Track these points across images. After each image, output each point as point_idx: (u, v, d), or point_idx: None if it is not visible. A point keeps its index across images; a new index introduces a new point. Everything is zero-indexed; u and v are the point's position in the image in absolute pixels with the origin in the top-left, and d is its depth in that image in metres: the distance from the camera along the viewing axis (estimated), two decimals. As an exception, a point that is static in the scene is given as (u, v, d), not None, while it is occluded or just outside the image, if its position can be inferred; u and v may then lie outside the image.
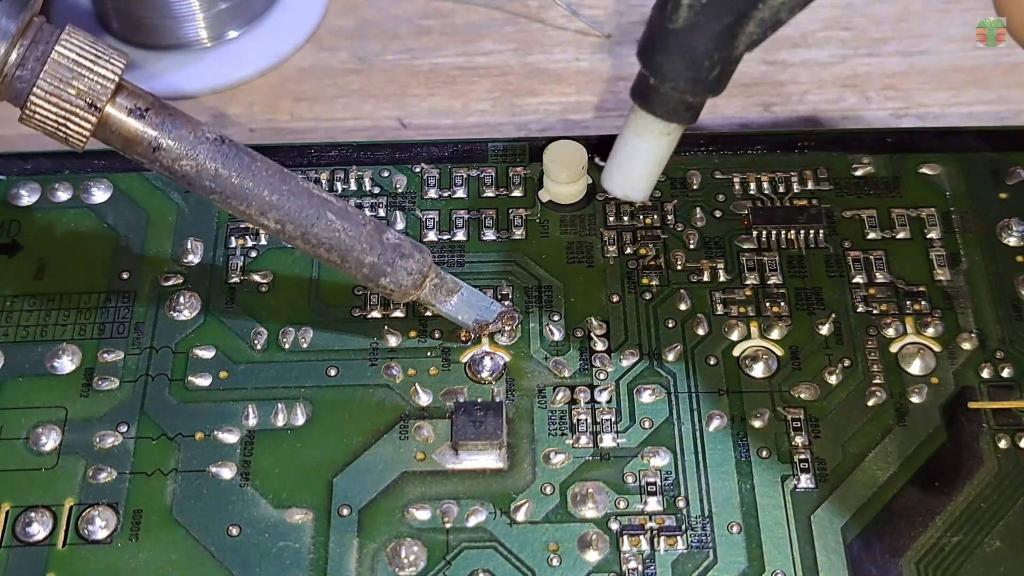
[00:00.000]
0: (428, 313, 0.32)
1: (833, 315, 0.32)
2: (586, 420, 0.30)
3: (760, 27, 0.23)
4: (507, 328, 0.32)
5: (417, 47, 0.42)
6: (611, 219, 0.34)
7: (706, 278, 0.33)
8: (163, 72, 0.40)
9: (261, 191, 0.27)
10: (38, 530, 0.29)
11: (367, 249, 0.28)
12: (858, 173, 0.35)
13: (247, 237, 0.34)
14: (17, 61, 0.26)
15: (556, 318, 0.32)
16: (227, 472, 0.30)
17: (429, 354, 0.32)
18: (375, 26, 0.43)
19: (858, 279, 0.33)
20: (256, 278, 0.33)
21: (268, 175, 0.27)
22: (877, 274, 0.33)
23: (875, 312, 0.32)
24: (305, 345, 0.32)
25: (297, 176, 0.28)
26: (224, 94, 0.40)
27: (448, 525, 0.29)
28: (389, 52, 0.42)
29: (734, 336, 0.32)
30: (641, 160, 0.28)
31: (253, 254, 0.34)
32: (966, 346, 0.31)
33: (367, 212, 0.29)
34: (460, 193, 0.35)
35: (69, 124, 0.26)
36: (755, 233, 0.34)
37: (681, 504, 0.29)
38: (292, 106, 0.40)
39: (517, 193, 0.35)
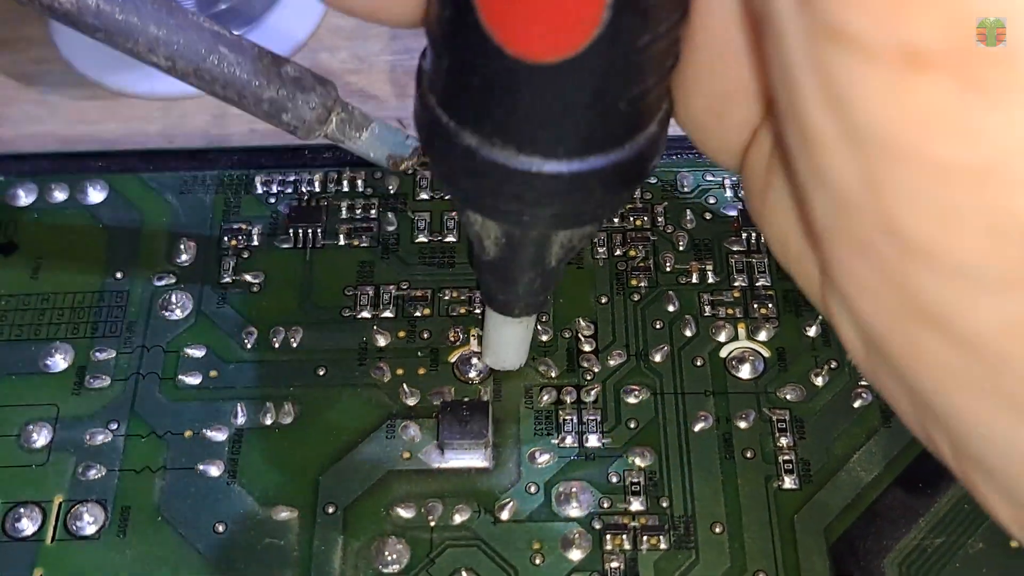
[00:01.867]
0: (417, 314, 0.32)
1: (820, 317, 0.32)
2: (572, 420, 0.31)
3: (563, 249, 0.23)
4: (419, 164, 0.31)
5: (417, 47, 0.42)
6: (601, 221, 0.34)
7: (694, 280, 0.33)
8: (163, 72, 0.40)
9: (147, 26, 0.25)
10: (27, 526, 0.29)
11: (264, 84, 0.27)
12: (849, 176, 0.35)
13: (240, 238, 0.34)
14: None
15: (544, 319, 0.32)
16: (215, 470, 0.30)
17: (418, 354, 0.32)
18: (375, 26, 0.43)
19: (846, 281, 0.33)
20: (248, 278, 0.33)
21: (154, 9, 0.25)
22: (866, 276, 0.33)
23: (863, 314, 0.32)
24: (295, 345, 0.32)
25: (188, 10, 0.26)
26: (224, 95, 0.40)
27: (432, 524, 0.29)
28: (389, 52, 0.42)
29: (721, 337, 0.32)
30: (506, 343, 0.30)
31: (245, 255, 0.34)
32: (953, 348, 0.31)
33: (268, 53, 0.27)
34: (452, 195, 0.35)
35: None
36: (744, 235, 0.34)
37: (665, 504, 0.29)
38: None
39: (508, 195, 0.35)
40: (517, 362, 0.31)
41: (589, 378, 0.31)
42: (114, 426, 0.31)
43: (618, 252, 0.34)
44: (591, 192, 0.20)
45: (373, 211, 0.35)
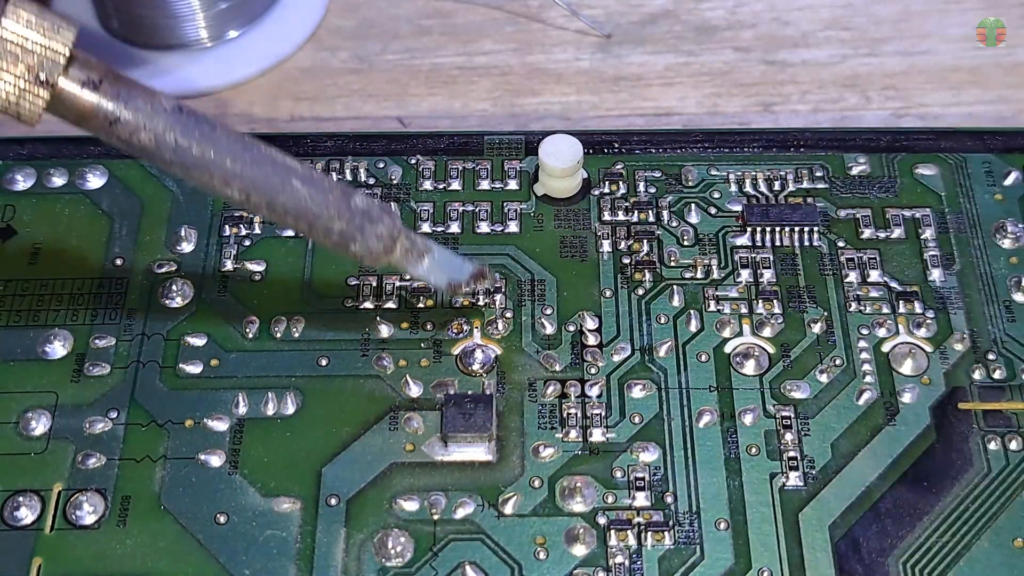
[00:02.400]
0: (420, 305, 0.32)
1: (825, 314, 0.32)
2: (576, 414, 0.30)
3: None
4: (480, 289, 0.31)
5: (417, 47, 0.42)
6: (606, 214, 0.34)
7: (699, 275, 0.33)
8: (163, 72, 0.40)
9: (223, 161, 0.26)
10: (26, 514, 0.29)
11: (334, 216, 0.27)
12: (854, 172, 0.35)
13: (241, 226, 0.34)
14: None
15: (548, 312, 0.32)
16: (216, 460, 0.30)
17: (421, 346, 0.32)
18: (375, 26, 0.43)
19: (851, 278, 0.33)
20: (249, 267, 0.33)
21: (230, 143, 0.26)
22: (870, 273, 0.33)
23: (867, 311, 0.32)
24: (297, 335, 0.32)
25: (260, 143, 0.27)
26: (224, 94, 0.40)
27: (436, 517, 0.29)
28: (389, 52, 0.42)
29: (726, 333, 0.32)
30: None
31: (247, 243, 0.34)
32: (958, 347, 0.31)
33: (334, 177, 0.28)
34: (455, 185, 0.35)
35: (21, 101, 0.25)
36: (749, 230, 0.34)
37: (669, 500, 0.29)
38: (292, 106, 0.40)
39: (512, 186, 0.35)
40: None
41: (593, 372, 0.31)
42: (114, 414, 0.30)
43: (622, 246, 0.33)
44: None
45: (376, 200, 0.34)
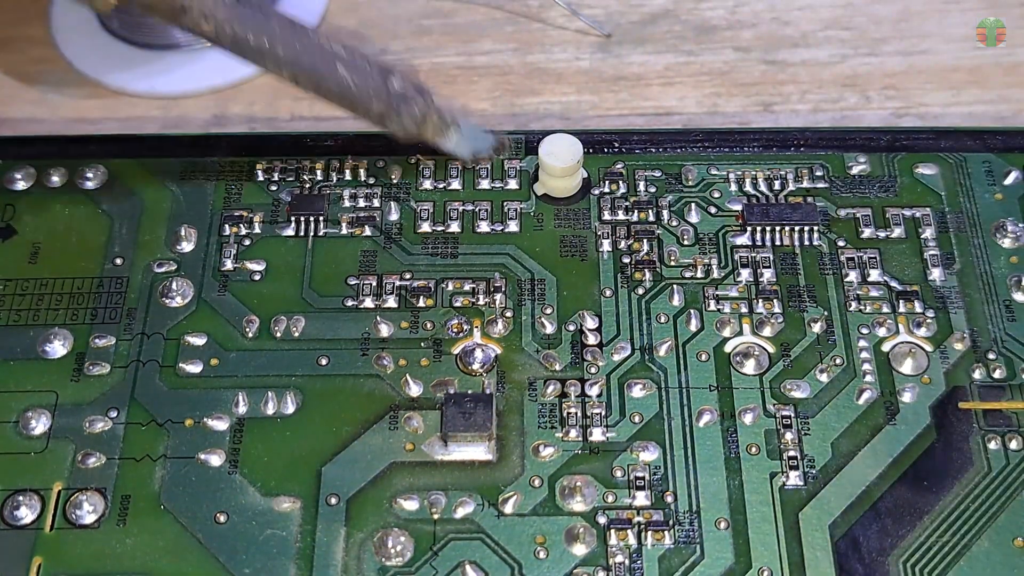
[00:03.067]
0: (420, 304, 0.32)
1: (825, 313, 0.32)
2: (576, 414, 0.30)
3: None
4: (502, 154, 0.34)
5: (417, 47, 0.42)
6: (606, 214, 0.34)
7: (699, 274, 0.33)
8: (163, 72, 0.40)
9: (276, 49, 0.29)
10: (26, 514, 0.29)
11: (375, 96, 0.30)
12: (854, 172, 0.35)
13: (241, 225, 0.34)
14: None
15: (548, 311, 0.32)
16: (216, 459, 0.30)
17: (421, 345, 0.32)
18: (375, 26, 0.42)
19: (851, 277, 0.33)
20: (249, 266, 0.33)
21: (282, 33, 0.29)
22: (871, 273, 0.33)
23: (867, 311, 0.32)
24: (297, 334, 0.32)
25: (308, 30, 0.30)
26: (224, 94, 0.40)
27: (436, 516, 0.29)
28: (389, 52, 0.42)
29: (726, 332, 0.32)
30: None
31: (247, 242, 0.34)
32: (958, 346, 0.31)
33: (376, 68, 0.31)
34: (455, 185, 0.35)
35: None
36: (749, 230, 0.34)
37: (669, 499, 0.29)
38: (292, 105, 0.40)
39: (512, 186, 0.35)
40: None
41: (593, 372, 0.31)
42: (114, 414, 0.30)
43: (622, 245, 0.33)
44: None
45: (376, 200, 0.34)
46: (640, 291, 0.33)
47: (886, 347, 0.31)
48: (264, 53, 0.29)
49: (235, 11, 0.29)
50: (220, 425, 0.30)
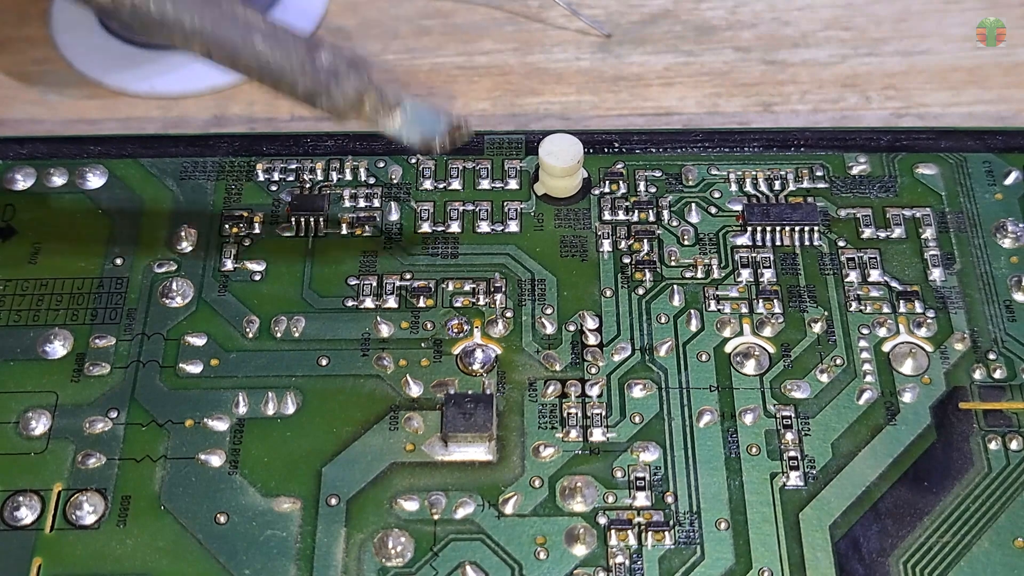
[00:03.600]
0: (420, 305, 0.32)
1: (826, 313, 0.32)
2: (576, 414, 0.30)
3: None
4: (458, 142, 0.30)
5: (417, 47, 0.42)
6: (606, 214, 0.34)
7: (699, 274, 0.33)
8: (163, 72, 0.40)
9: (182, 21, 0.26)
10: (26, 514, 0.29)
11: (298, 72, 0.27)
12: (854, 172, 0.35)
13: (241, 225, 0.34)
14: None
15: (549, 311, 0.32)
16: (216, 460, 0.30)
17: (421, 345, 0.32)
18: (375, 26, 0.42)
19: (852, 278, 0.33)
20: (249, 266, 0.33)
21: (190, 1, 0.26)
22: (871, 273, 0.33)
23: (868, 311, 0.32)
24: (297, 334, 0.32)
25: (224, 1, 0.27)
26: (224, 94, 0.40)
27: (436, 517, 0.29)
28: (389, 52, 0.42)
29: (726, 333, 0.32)
30: None
31: (247, 242, 0.33)
32: (958, 347, 0.31)
33: (303, 42, 0.28)
34: (455, 185, 0.35)
35: None
36: (749, 230, 0.34)
37: (669, 500, 0.29)
38: (292, 105, 0.40)
39: (512, 186, 0.35)
40: None
41: (594, 372, 0.31)
42: (114, 414, 0.30)
43: (622, 245, 0.33)
44: None
45: (376, 200, 0.34)
46: (640, 291, 0.33)
47: (886, 347, 0.31)
48: (169, 24, 0.26)
49: None
50: (220, 425, 0.30)
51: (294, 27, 0.28)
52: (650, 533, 0.29)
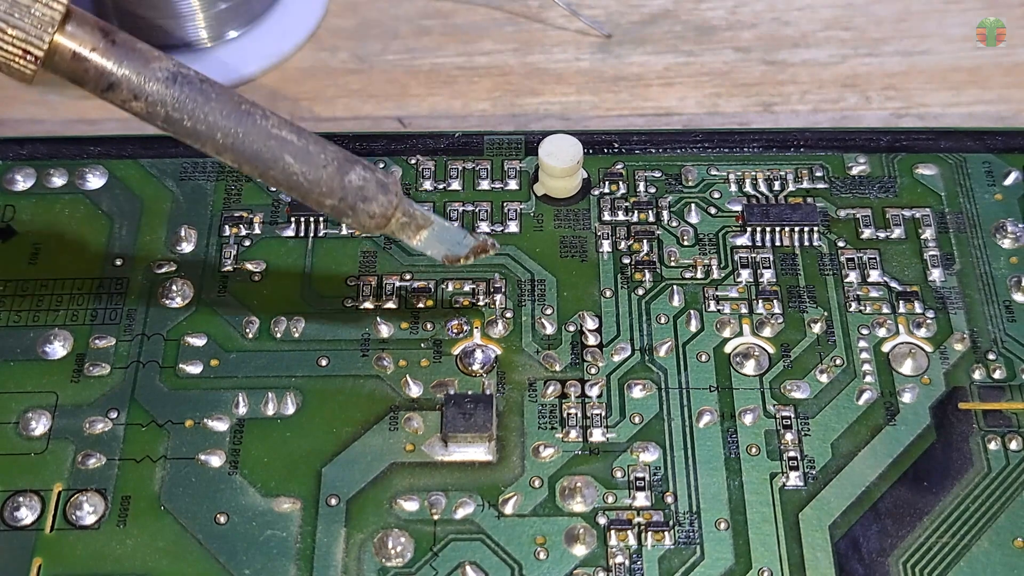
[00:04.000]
0: (420, 305, 0.32)
1: (825, 314, 0.32)
2: (576, 414, 0.30)
3: None
4: (484, 257, 0.30)
5: (417, 47, 0.42)
6: (606, 214, 0.34)
7: (699, 275, 0.33)
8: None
9: (214, 134, 0.26)
10: (26, 514, 0.29)
11: (326, 192, 0.27)
12: (853, 172, 0.35)
13: (241, 226, 0.34)
14: None
15: (548, 312, 0.32)
16: (216, 460, 0.30)
17: (421, 346, 0.32)
18: (375, 26, 0.42)
19: (851, 278, 0.33)
20: (249, 267, 0.33)
21: (223, 117, 0.26)
22: (871, 273, 0.33)
23: (868, 311, 0.32)
24: (297, 335, 0.32)
25: (258, 112, 0.26)
26: (224, 94, 0.40)
27: (436, 517, 0.29)
28: (389, 52, 0.42)
29: (726, 333, 0.32)
30: None
31: (247, 243, 0.34)
32: (958, 347, 0.31)
33: (334, 145, 0.28)
34: (455, 185, 0.35)
35: (14, 57, 0.24)
36: (749, 230, 0.34)
37: (669, 500, 0.29)
38: (292, 106, 0.40)
39: (512, 186, 0.35)
40: None
41: (594, 372, 0.31)
42: (114, 414, 0.30)
43: (622, 246, 0.33)
44: None
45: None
46: (640, 292, 0.33)
47: (886, 347, 0.31)
48: (201, 137, 0.26)
49: (170, 90, 0.25)
50: (220, 426, 0.30)
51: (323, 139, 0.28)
52: (650, 533, 0.29)
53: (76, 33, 0.25)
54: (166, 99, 0.25)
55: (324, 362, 0.31)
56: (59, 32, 0.25)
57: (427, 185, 0.35)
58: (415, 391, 0.31)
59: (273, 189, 0.34)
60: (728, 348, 0.32)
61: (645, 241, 0.33)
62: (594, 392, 0.31)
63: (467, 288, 0.33)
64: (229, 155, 0.26)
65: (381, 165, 0.35)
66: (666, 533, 0.29)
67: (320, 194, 0.27)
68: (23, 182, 0.35)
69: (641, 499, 0.29)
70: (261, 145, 0.26)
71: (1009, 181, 0.35)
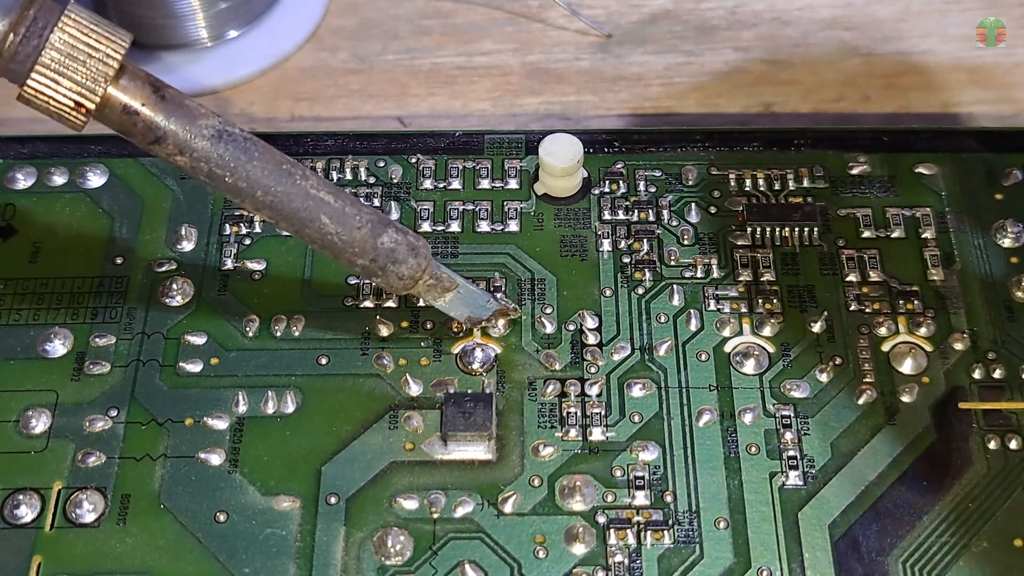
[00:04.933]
0: (420, 304, 0.32)
1: (825, 313, 0.32)
2: (576, 413, 0.30)
3: None
4: (501, 323, 0.32)
5: (417, 47, 0.42)
6: (606, 213, 0.34)
7: (699, 274, 0.33)
8: (163, 72, 0.40)
9: (254, 192, 0.27)
10: (26, 512, 0.29)
11: (358, 253, 0.28)
12: (854, 172, 0.35)
13: (241, 225, 0.34)
14: (18, 39, 0.25)
15: (548, 311, 0.32)
16: (216, 458, 0.30)
17: (421, 344, 0.32)
18: (375, 26, 0.42)
19: (851, 277, 0.33)
20: (249, 266, 0.33)
21: (264, 175, 0.27)
22: (871, 273, 0.33)
23: (868, 311, 0.32)
24: (297, 333, 0.32)
25: (298, 173, 0.27)
26: (224, 94, 0.40)
27: (435, 515, 0.29)
28: (389, 52, 0.42)
29: (726, 332, 0.32)
30: None
31: (247, 242, 0.34)
32: (958, 346, 0.31)
33: (368, 206, 0.29)
34: (456, 185, 0.35)
35: (67, 108, 0.25)
36: (749, 230, 0.34)
37: (669, 499, 0.29)
38: (292, 106, 0.40)
39: (512, 186, 0.35)
40: None
41: (593, 371, 0.31)
42: (114, 413, 0.30)
43: (622, 245, 0.33)
44: None
45: (376, 199, 0.34)
46: (640, 291, 0.33)
47: (886, 347, 0.31)
48: (242, 193, 0.27)
49: (214, 148, 0.26)
50: (220, 424, 0.30)
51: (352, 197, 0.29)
52: (649, 532, 0.29)
53: (128, 87, 0.26)
54: (210, 156, 0.26)
55: (324, 361, 0.31)
56: (112, 85, 0.26)
57: (427, 184, 0.35)
58: (415, 390, 0.31)
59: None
60: (728, 347, 0.32)
61: (645, 240, 0.33)
62: (594, 391, 0.31)
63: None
64: (268, 212, 0.27)
65: (381, 164, 0.35)
66: (665, 532, 0.29)
67: (353, 254, 0.28)
68: (24, 181, 0.35)
69: (640, 498, 0.29)
70: (299, 204, 0.27)
71: (1009, 181, 0.34)
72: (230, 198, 0.28)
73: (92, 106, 0.25)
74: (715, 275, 0.33)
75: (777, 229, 0.33)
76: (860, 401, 0.31)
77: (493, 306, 0.31)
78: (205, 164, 0.26)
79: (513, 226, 0.34)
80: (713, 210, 0.34)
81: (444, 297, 0.30)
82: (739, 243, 0.33)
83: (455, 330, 0.32)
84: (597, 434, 0.30)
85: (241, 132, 0.27)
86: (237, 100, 0.40)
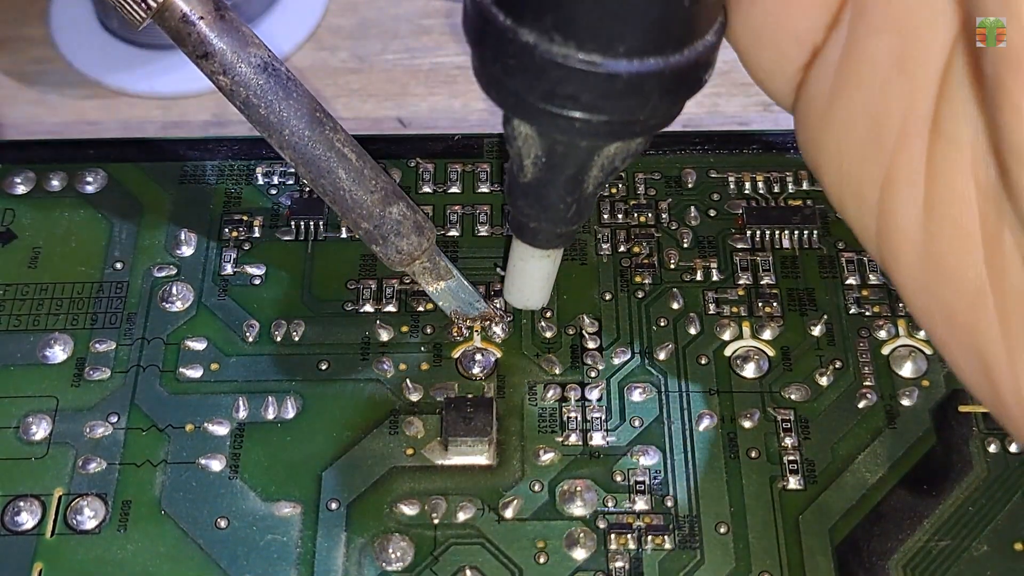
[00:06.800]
0: (420, 308, 0.32)
1: (825, 316, 0.32)
2: (576, 418, 0.30)
3: (603, 171, 0.24)
4: (487, 325, 0.32)
5: (417, 47, 0.42)
6: (605, 216, 0.34)
7: (699, 277, 0.33)
8: (163, 72, 0.40)
9: (283, 130, 0.28)
10: (26, 519, 0.29)
11: (365, 216, 0.29)
12: (854, 174, 0.35)
13: (241, 229, 0.34)
14: None
15: (548, 315, 0.32)
16: (216, 464, 0.30)
17: (421, 349, 0.32)
18: (375, 26, 0.42)
19: (851, 280, 0.33)
20: (249, 270, 0.33)
21: (296, 116, 0.27)
22: (870, 276, 0.33)
23: (867, 314, 0.32)
24: (297, 338, 0.32)
25: (328, 124, 0.28)
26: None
27: (436, 521, 0.29)
28: (389, 52, 0.42)
29: (726, 336, 0.32)
30: (531, 279, 0.30)
31: (247, 246, 0.33)
32: (958, 349, 0.31)
33: (388, 177, 0.29)
34: (455, 188, 0.35)
35: (129, 2, 0.26)
36: (749, 233, 0.33)
37: (669, 503, 0.29)
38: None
39: (512, 189, 0.35)
40: (540, 301, 0.31)
41: (593, 375, 0.31)
42: (114, 419, 0.30)
43: (622, 249, 0.33)
44: (646, 97, 0.21)
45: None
46: (640, 294, 0.33)
47: (886, 350, 0.31)
48: (271, 127, 0.28)
49: (257, 76, 0.27)
50: (220, 430, 0.30)
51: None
52: (650, 537, 0.29)
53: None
54: (251, 83, 0.27)
55: (324, 366, 0.31)
56: None
57: (427, 188, 0.35)
58: (415, 395, 0.31)
59: (278, 198, 0.34)
60: (728, 351, 0.32)
61: (645, 243, 0.33)
62: (594, 395, 0.31)
63: (467, 291, 0.33)
64: (289, 152, 0.28)
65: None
66: (666, 536, 0.29)
67: (359, 215, 0.29)
68: (23, 185, 0.35)
69: (641, 503, 0.29)
70: (321, 152, 0.28)
71: (1009, 183, 0.34)
72: (258, 131, 0.28)
73: (155, 5, 0.26)
74: (715, 278, 0.33)
75: (777, 232, 0.33)
76: (860, 405, 0.31)
77: (482, 308, 0.32)
78: (244, 90, 0.27)
79: (513, 229, 0.34)
80: (712, 213, 0.34)
81: (437, 284, 0.31)
82: (739, 246, 0.33)
83: (455, 335, 0.32)
84: (597, 439, 0.30)
85: (287, 71, 0.28)
86: (236, 102, 0.40)
